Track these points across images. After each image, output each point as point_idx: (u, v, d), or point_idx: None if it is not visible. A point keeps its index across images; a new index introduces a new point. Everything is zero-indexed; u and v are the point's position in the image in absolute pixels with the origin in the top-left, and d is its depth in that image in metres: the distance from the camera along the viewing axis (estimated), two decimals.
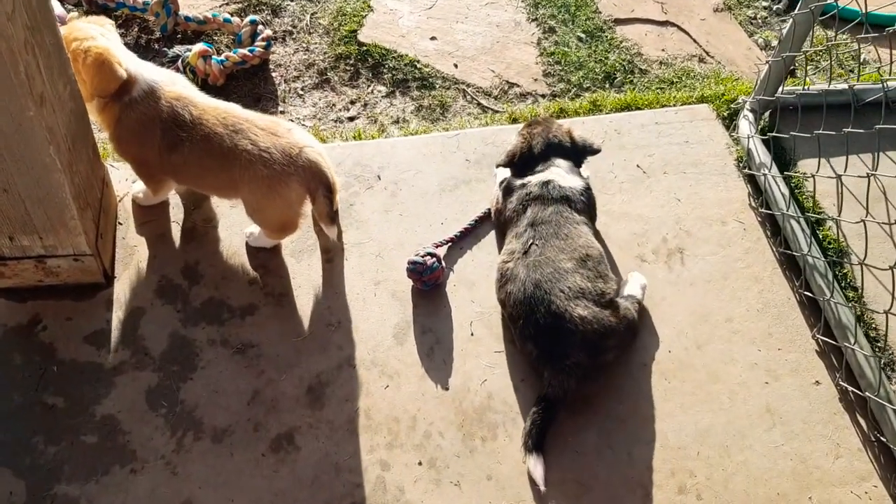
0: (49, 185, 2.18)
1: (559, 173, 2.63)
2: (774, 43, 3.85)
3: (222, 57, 3.38)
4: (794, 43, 2.86)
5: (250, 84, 3.47)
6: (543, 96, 3.52)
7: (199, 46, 3.33)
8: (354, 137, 3.22)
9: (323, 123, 3.35)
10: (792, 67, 3.41)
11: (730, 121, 3.28)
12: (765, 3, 4.05)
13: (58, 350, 2.46)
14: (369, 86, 3.51)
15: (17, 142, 2.03)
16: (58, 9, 3.53)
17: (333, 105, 3.43)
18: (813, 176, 2.69)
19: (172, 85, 2.50)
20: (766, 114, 3.22)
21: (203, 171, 2.48)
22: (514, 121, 3.29)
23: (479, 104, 3.46)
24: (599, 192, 2.92)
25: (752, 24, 3.96)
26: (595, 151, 2.77)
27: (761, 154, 3.01)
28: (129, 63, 2.48)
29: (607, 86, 3.58)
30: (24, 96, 1.93)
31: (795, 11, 2.80)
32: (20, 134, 2.01)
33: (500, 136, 3.15)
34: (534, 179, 2.62)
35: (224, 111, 2.45)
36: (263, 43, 3.47)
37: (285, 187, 2.40)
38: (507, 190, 2.70)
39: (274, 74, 3.53)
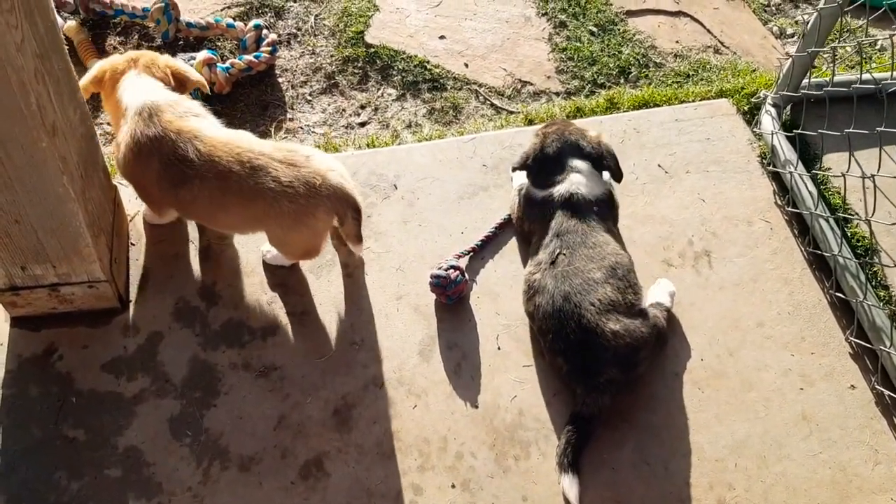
0: (62, 215, 2.10)
1: (580, 181, 2.55)
2: (790, 31, 3.77)
3: (227, 64, 3.29)
4: (820, 37, 2.78)
5: (257, 91, 3.38)
6: (557, 94, 3.44)
7: (203, 54, 3.24)
8: (368, 145, 3.13)
9: (334, 130, 3.27)
10: None
11: (751, 115, 3.20)
12: None
13: (75, 380, 2.39)
14: (379, 89, 3.43)
15: (29, 173, 1.95)
16: None
17: (343, 110, 3.35)
18: (843, 175, 2.61)
19: (174, 114, 2.38)
20: (789, 107, 3.14)
21: (217, 210, 2.37)
22: (530, 122, 3.21)
23: (492, 105, 3.38)
24: (622, 193, 2.85)
25: (765, 11, 3.88)
26: (612, 158, 2.64)
27: (786, 151, 2.94)
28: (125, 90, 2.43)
29: (622, 81, 3.50)
30: (37, 127, 1.85)
31: (821, 5, 2.71)
32: (32, 165, 1.93)
33: (517, 138, 3.07)
34: (555, 193, 2.54)
35: (237, 145, 2.32)
36: (269, 48, 3.38)
37: (312, 218, 2.32)
38: (528, 201, 2.63)
39: (280, 80, 3.44)
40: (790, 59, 2.95)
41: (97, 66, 2.55)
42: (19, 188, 1.99)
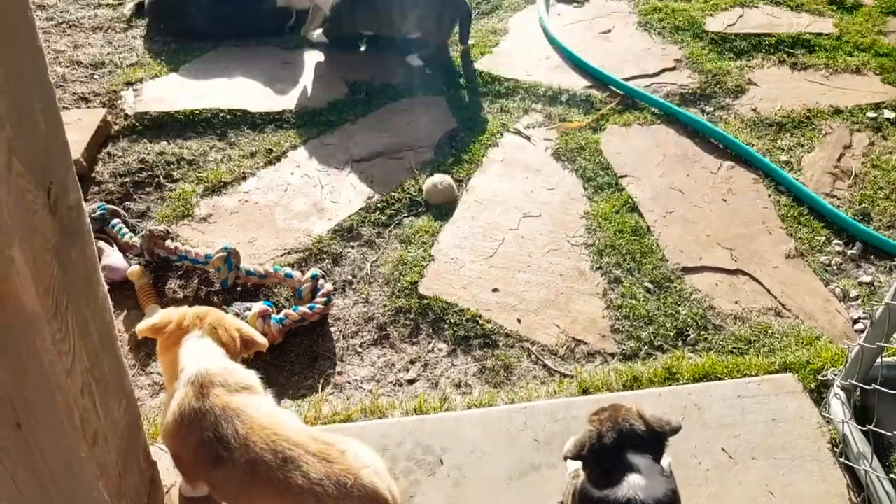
0: None
1: (639, 483, 2.37)
2: (853, 293, 3.68)
3: (282, 315, 3.31)
4: (889, 330, 2.67)
5: (308, 340, 3.38)
6: (613, 356, 3.35)
7: (258, 306, 3.27)
8: (415, 409, 3.04)
9: (381, 387, 3.21)
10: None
11: (818, 394, 3.04)
12: (838, 248, 3.91)
13: None
14: (430, 343, 3.39)
15: (66, 480, 1.89)
16: (119, 262, 3.54)
17: (392, 365, 3.30)
18: None
19: (225, 387, 2.34)
20: (858, 390, 2.98)
21: (245, 497, 2.28)
22: (585, 391, 3.10)
23: (544, 365, 3.30)
24: (683, 483, 2.65)
25: (826, 271, 3.81)
26: (674, 431, 2.52)
27: (859, 443, 2.75)
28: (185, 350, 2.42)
29: (680, 343, 3.40)
30: (77, 440, 1.81)
31: (888, 299, 2.62)
32: (69, 473, 1.88)
33: (571, 411, 2.95)
34: (612, 496, 2.37)
35: (274, 431, 2.25)
36: (324, 299, 3.41)
37: None
38: (584, 500, 2.46)
39: (332, 329, 3.44)
40: (858, 347, 2.82)
41: (162, 315, 2.56)
42: (54, 492, 1.92)
